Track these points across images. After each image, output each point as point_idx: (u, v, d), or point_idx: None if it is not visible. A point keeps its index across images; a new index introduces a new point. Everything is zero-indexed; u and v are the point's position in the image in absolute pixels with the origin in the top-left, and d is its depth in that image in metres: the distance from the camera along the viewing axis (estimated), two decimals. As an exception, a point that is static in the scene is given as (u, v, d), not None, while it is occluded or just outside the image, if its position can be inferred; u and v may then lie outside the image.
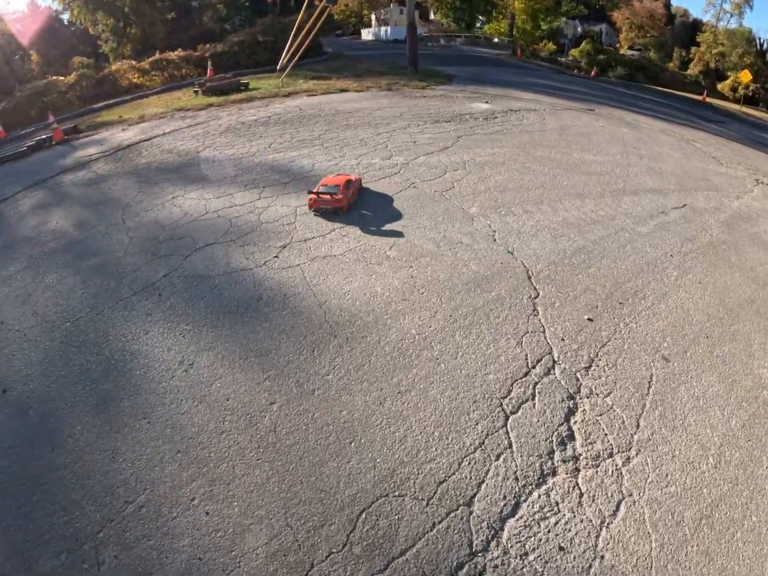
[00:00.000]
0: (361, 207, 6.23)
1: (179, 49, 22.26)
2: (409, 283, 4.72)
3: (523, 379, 3.63)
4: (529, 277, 4.87)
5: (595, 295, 4.68)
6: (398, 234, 5.58)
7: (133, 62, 21.81)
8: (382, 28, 38.13)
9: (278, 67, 17.37)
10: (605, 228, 5.95)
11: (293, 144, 8.84)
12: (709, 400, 3.56)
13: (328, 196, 5.80)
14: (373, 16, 42.29)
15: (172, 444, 3.19)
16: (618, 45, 47.01)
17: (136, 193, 7.41)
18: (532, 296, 4.58)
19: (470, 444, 3.14)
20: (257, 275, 4.96)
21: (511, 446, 3.13)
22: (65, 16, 31.46)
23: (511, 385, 3.58)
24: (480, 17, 37.70)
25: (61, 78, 19.82)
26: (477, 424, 3.28)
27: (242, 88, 16.03)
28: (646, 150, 10.04)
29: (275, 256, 5.27)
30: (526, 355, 3.86)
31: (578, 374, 3.70)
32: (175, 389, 3.68)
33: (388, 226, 5.76)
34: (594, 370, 3.75)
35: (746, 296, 4.92)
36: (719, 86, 45.38)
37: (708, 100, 31.58)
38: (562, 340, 4.04)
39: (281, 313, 4.41)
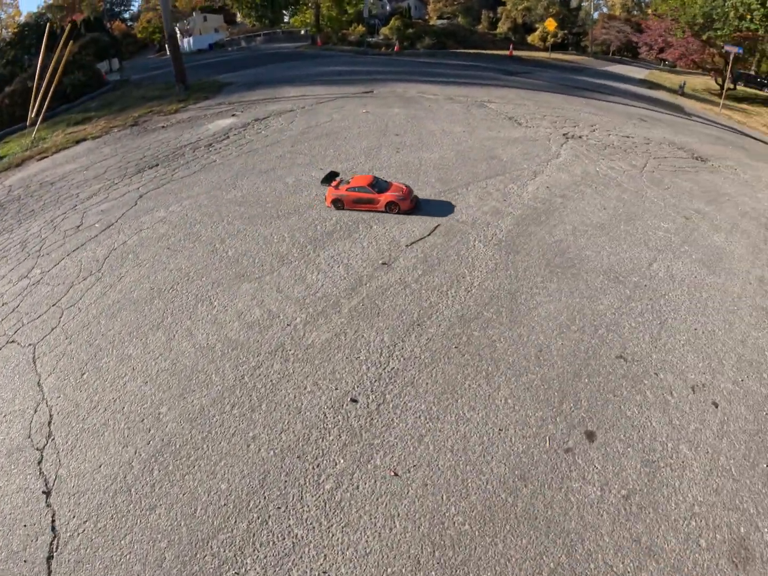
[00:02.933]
0: None
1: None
2: None
3: None
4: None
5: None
6: None
7: None
8: (185, 39, 32.95)
9: (28, 123, 12.80)
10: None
11: None
12: None
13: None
14: (176, 28, 36.65)
15: None
16: (427, 17, 45.13)
17: None
18: None
19: None
20: None
21: None
22: None
23: None
24: (284, 12, 33.59)
25: None
26: None
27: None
28: (413, 133, 7.56)
29: None
30: None
31: None
32: None
33: None
34: None
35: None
36: (529, 39, 45.27)
37: (516, 53, 30.57)
38: None
39: None
